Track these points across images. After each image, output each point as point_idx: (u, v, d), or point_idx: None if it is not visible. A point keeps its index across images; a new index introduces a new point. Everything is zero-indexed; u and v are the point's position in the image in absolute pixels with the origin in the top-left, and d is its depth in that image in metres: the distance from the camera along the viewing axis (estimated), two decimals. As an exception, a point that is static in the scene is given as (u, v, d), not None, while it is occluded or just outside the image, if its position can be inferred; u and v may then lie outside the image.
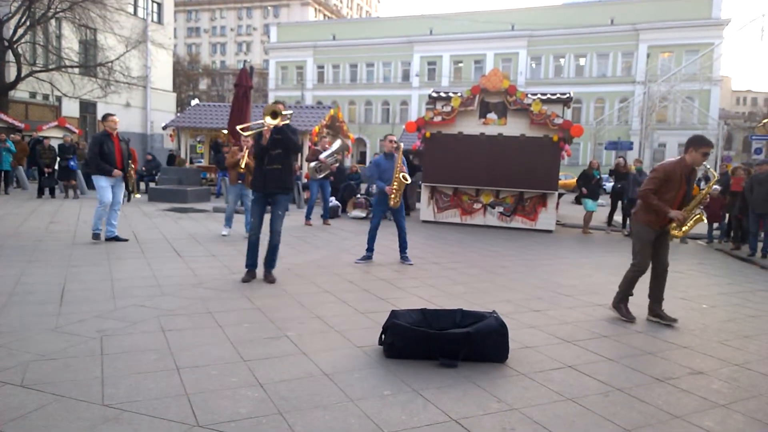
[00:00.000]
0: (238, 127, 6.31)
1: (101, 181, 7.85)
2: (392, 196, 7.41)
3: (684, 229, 4.99)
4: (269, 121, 5.62)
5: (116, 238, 7.99)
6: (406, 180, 7.47)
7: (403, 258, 7.54)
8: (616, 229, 12.87)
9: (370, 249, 7.55)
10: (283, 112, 5.73)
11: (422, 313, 4.09)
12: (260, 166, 5.85)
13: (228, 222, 9.15)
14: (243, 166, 8.80)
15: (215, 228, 9.90)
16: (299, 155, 13.21)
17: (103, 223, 7.97)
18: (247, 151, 8.85)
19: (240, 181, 8.97)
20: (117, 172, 7.88)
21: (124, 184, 8.19)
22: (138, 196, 8.75)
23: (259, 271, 6.05)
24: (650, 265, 5.17)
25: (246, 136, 6.74)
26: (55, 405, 2.88)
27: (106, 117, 8.07)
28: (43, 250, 7.09)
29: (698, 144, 4.88)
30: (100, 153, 7.81)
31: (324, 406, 3.03)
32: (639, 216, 5.16)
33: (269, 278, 5.93)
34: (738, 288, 7.14)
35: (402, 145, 7.70)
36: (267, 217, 5.95)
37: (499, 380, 3.55)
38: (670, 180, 4.92)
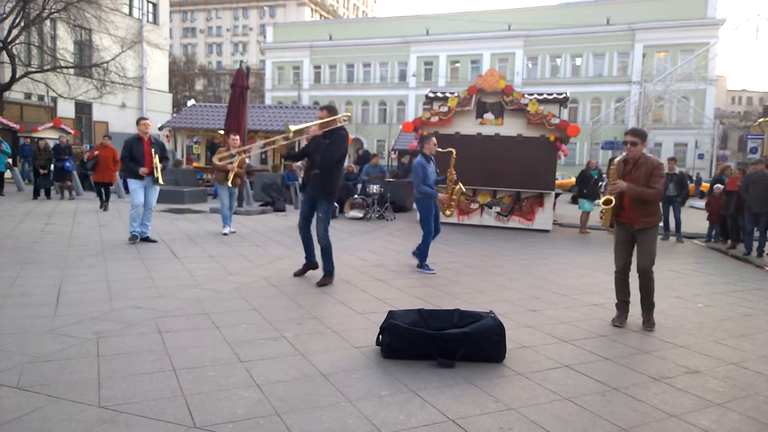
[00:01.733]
0: (292, 127, 6.11)
1: (132, 184, 8.14)
2: (447, 205, 7.14)
3: (603, 210, 4.96)
4: (292, 129, 5.85)
5: (147, 239, 8.21)
6: (463, 190, 7.23)
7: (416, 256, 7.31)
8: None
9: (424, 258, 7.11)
10: (323, 120, 5.86)
11: (420, 313, 4.09)
12: (308, 169, 6.06)
13: (227, 221, 9.32)
14: (231, 181, 9.16)
15: (212, 229, 9.88)
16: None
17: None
18: (238, 160, 9.08)
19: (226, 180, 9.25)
20: (144, 170, 8.05)
21: (157, 187, 8.35)
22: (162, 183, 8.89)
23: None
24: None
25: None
26: (51, 407, 2.87)
27: (138, 121, 8.29)
28: (39, 252, 7.07)
29: (625, 134, 5.03)
30: (130, 156, 8.07)
31: (321, 407, 3.03)
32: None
33: (322, 281, 5.95)
34: (734, 287, 7.16)
35: (454, 151, 7.24)
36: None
37: (496, 380, 3.56)
38: (614, 173, 4.97)
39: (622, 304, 5.10)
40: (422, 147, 7.15)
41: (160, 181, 8.31)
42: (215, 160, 9.07)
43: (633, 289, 5.09)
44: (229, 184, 9.22)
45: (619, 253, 5.08)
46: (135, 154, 8.05)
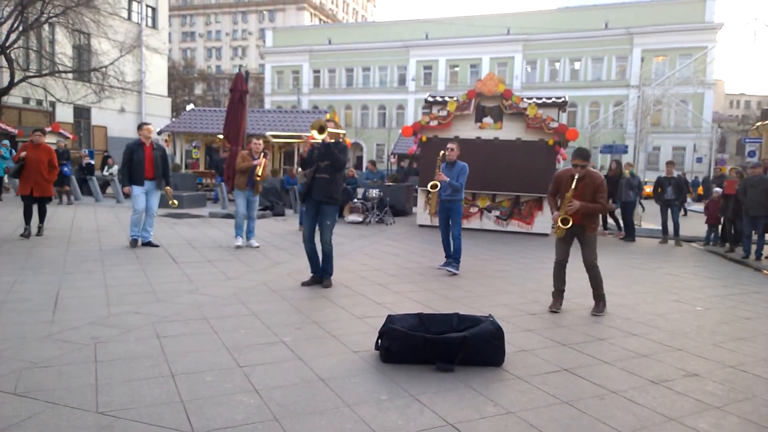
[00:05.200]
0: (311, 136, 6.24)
1: (134, 190, 8.10)
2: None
3: (559, 231, 5.45)
4: (316, 135, 5.83)
5: (149, 243, 8.20)
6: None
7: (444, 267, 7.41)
8: (611, 232, 12.88)
9: (447, 255, 7.52)
10: (332, 130, 5.94)
11: (419, 317, 4.09)
12: (310, 174, 6.05)
13: (239, 231, 8.57)
14: (260, 173, 8.38)
15: (211, 233, 9.88)
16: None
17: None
18: (263, 161, 8.48)
19: (249, 187, 8.46)
20: (127, 189, 8.15)
21: (158, 192, 8.32)
22: (175, 202, 8.69)
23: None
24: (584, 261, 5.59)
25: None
26: (49, 413, 2.86)
27: (140, 126, 8.23)
28: (37, 257, 7.06)
29: (572, 157, 5.58)
30: (130, 162, 8.02)
31: (320, 412, 3.02)
32: None
33: (325, 283, 6.11)
34: (732, 290, 7.16)
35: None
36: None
37: (495, 384, 3.55)
38: (559, 183, 5.58)
39: (558, 293, 5.66)
40: None
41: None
42: (240, 162, 8.41)
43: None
44: (259, 173, 8.35)
45: (561, 247, 5.67)
46: (136, 160, 8.02)
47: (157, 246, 8.17)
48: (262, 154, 8.61)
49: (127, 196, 8.25)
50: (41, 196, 8.67)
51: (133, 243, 8.08)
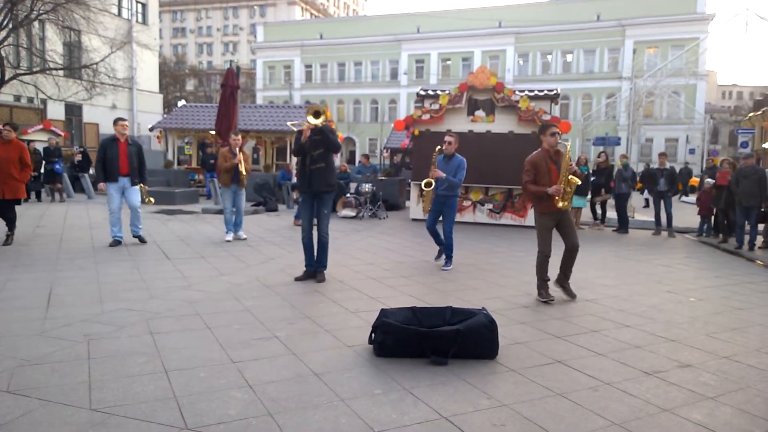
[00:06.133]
0: (289, 123, 6.26)
1: (108, 188, 7.92)
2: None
3: (566, 199, 5.40)
4: (312, 120, 5.78)
5: (140, 238, 8.14)
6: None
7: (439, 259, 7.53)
8: (608, 225, 12.90)
9: (438, 243, 7.48)
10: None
11: (412, 311, 4.08)
12: (303, 167, 5.99)
13: (229, 227, 8.74)
14: (244, 172, 8.59)
15: (204, 230, 9.84)
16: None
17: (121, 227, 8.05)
18: (242, 156, 8.62)
19: (234, 183, 8.67)
20: (101, 185, 7.96)
21: (136, 188, 8.10)
22: (152, 200, 8.74)
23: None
24: (564, 246, 5.63)
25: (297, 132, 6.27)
26: (42, 410, 2.85)
27: (116, 121, 8.02)
28: (29, 255, 7.01)
29: (544, 130, 5.52)
30: (103, 158, 7.83)
31: (314, 406, 3.02)
32: (534, 207, 5.70)
33: (319, 278, 6.08)
34: (725, 281, 7.19)
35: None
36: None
37: (489, 377, 3.56)
38: (537, 168, 5.46)
39: (545, 283, 5.61)
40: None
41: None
42: (222, 162, 8.60)
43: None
44: (243, 172, 8.55)
45: (548, 240, 5.58)
46: (109, 155, 7.78)
47: (145, 242, 8.11)
48: (238, 150, 8.71)
49: (116, 179, 7.91)
50: (12, 198, 7.81)
51: (115, 244, 7.84)
